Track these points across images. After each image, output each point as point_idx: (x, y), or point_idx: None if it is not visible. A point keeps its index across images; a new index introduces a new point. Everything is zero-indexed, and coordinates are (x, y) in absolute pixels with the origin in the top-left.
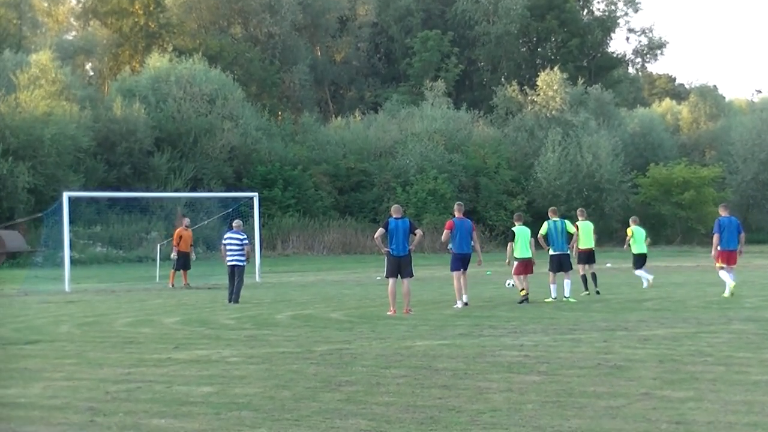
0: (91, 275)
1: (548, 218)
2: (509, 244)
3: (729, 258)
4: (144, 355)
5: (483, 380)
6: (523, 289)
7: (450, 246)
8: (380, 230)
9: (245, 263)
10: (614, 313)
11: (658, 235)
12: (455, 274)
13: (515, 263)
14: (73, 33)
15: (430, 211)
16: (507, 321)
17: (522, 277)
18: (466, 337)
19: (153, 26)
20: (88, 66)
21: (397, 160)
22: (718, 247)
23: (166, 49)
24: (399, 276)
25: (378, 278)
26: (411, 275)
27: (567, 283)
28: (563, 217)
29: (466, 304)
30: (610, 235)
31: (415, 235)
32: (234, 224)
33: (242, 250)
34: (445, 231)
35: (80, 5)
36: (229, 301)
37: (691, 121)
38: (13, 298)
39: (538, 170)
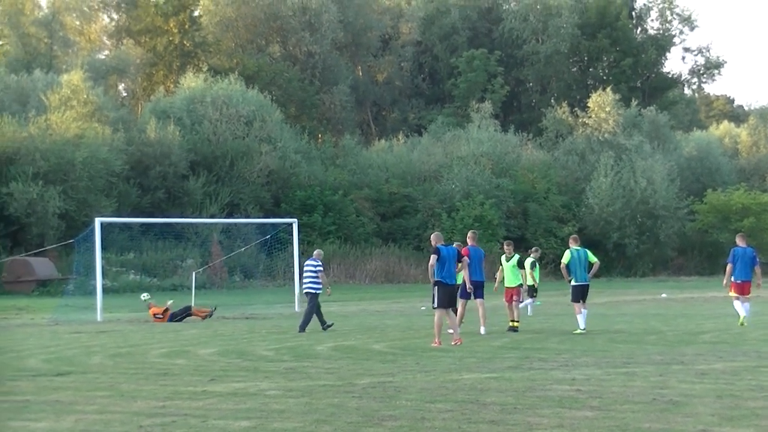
0: (124, 304)
1: (569, 246)
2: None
3: (742, 289)
4: (179, 388)
5: (533, 415)
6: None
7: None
8: (433, 257)
9: (318, 290)
10: (670, 345)
11: (715, 264)
12: (463, 302)
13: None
14: (106, 52)
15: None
16: (558, 353)
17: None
18: (515, 370)
19: (188, 45)
20: (121, 86)
21: (442, 184)
22: (731, 278)
23: (201, 68)
24: (450, 307)
25: (423, 308)
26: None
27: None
28: (616, 244)
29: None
30: (665, 264)
31: (460, 262)
32: (314, 253)
33: (316, 276)
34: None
35: (113, 23)
36: (300, 330)
37: (751, 145)
38: (44, 328)
39: (589, 195)
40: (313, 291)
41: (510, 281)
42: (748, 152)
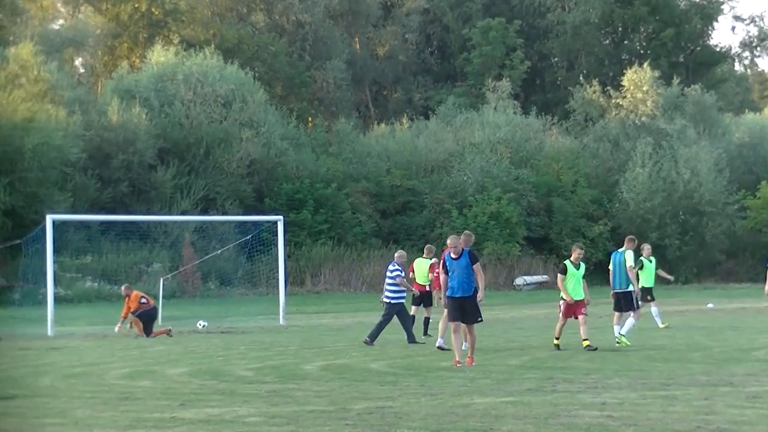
0: (80, 316)
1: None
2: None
3: None
4: (143, 414)
5: None
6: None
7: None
8: (442, 276)
9: (395, 299)
10: (717, 364)
11: None
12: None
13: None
14: (61, 22)
15: (492, 238)
16: (586, 373)
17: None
18: (535, 393)
19: (157, 13)
20: (78, 61)
21: (452, 176)
22: None
23: (172, 41)
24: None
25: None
26: (475, 320)
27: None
28: (655, 246)
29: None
30: (712, 268)
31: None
32: (396, 255)
33: (394, 283)
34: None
35: None
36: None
37: None
38: None
39: (624, 189)
40: (389, 300)
41: (577, 293)
42: None
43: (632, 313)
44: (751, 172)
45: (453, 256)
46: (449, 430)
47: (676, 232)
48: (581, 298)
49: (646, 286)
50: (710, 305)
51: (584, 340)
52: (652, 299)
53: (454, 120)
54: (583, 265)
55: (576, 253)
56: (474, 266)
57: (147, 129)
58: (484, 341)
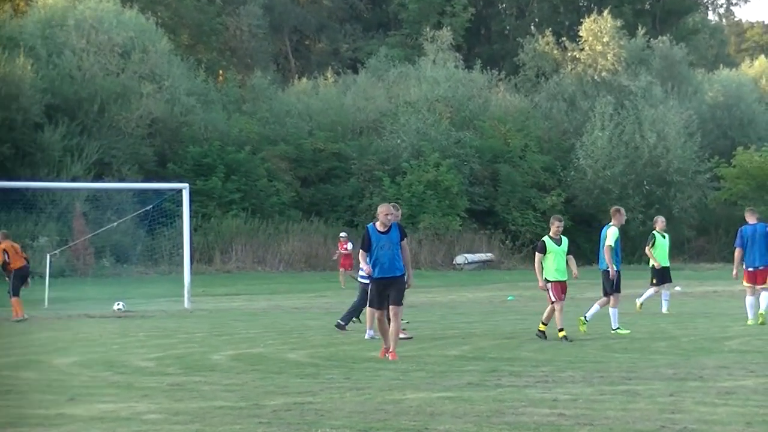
0: None
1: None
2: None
3: (755, 277)
4: (26, 410)
5: None
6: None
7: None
8: (362, 253)
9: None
10: (685, 355)
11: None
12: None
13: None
14: None
15: (429, 210)
16: (535, 365)
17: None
18: (477, 388)
19: None
20: None
21: (384, 139)
22: (742, 265)
23: None
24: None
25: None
26: (400, 302)
27: (614, 313)
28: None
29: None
30: (680, 246)
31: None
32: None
33: None
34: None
35: None
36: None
37: None
38: None
39: (580, 155)
40: (363, 279)
41: (560, 272)
42: None
43: (602, 298)
44: (725, 136)
45: (380, 229)
46: (378, 429)
47: (640, 204)
48: (565, 278)
49: (661, 265)
50: (678, 288)
51: (560, 330)
52: (669, 281)
53: (387, 75)
54: (565, 240)
55: (555, 227)
56: (402, 242)
57: (32, 82)
58: (418, 328)
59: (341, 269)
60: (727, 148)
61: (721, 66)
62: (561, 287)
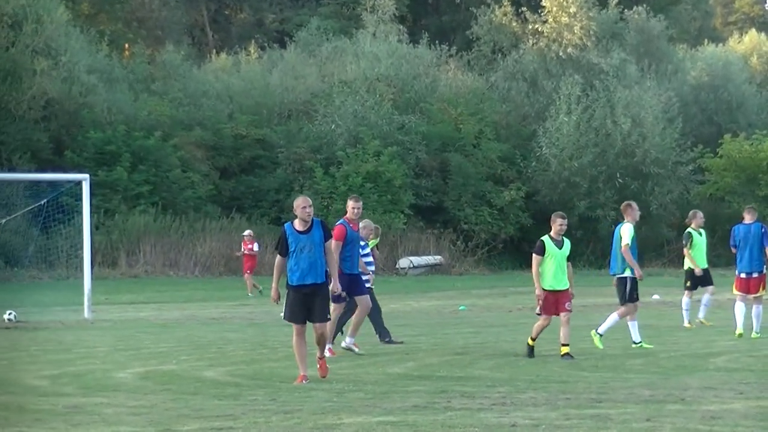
0: None
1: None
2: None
3: (747, 285)
4: None
5: None
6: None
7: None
8: (278, 259)
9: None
10: (664, 374)
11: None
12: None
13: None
14: None
15: (368, 207)
16: (491, 385)
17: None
18: (423, 411)
19: None
20: None
21: (316, 124)
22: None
23: None
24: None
25: (282, 314)
26: (326, 318)
27: (634, 324)
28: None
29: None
30: (659, 249)
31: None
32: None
33: (371, 262)
34: (335, 243)
35: None
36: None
37: None
38: None
39: (543, 143)
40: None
41: (559, 281)
42: None
43: (621, 308)
44: (711, 122)
45: (299, 228)
46: None
47: (612, 200)
48: (565, 287)
49: (699, 267)
50: (656, 297)
51: (563, 345)
52: (710, 283)
53: (319, 50)
54: (567, 242)
55: (557, 225)
56: (327, 243)
57: None
58: (355, 341)
59: (246, 273)
60: (712, 135)
61: (706, 41)
62: (556, 299)
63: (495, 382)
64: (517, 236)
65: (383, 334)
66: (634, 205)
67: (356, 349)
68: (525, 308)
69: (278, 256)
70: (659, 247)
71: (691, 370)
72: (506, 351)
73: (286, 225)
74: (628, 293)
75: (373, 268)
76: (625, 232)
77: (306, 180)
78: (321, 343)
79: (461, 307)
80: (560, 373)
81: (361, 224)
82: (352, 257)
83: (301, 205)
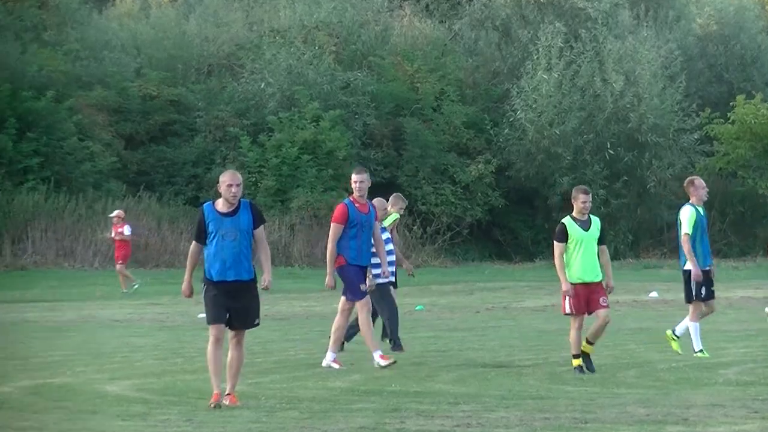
0: None
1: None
2: None
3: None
4: None
5: None
6: None
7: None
8: (193, 245)
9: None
10: (663, 389)
11: (748, 235)
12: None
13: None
14: None
15: (306, 183)
16: (453, 402)
17: None
18: None
19: None
20: None
21: (242, 82)
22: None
23: None
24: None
25: (201, 316)
26: (252, 324)
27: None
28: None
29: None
30: (658, 235)
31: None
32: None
33: (390, 250)
34: (333, 226)
35: None
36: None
37: None
38: None
39: (518, 106)
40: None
41: (587, 271)
42: None
43: (690, 307)
44: (720, 80)
45: (222, 210)
46: None
47: (601, 176)
48: (599, 279)
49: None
50: (653, 294)
51: (588, 343)
52: (711, 295)
53: None
54: (596, 222)
55: (580, 203)
56: (257, 231)
57: None
58: (286, 352)
59: (118, 264)
60: (722, 96)
61: None
62: (589, 293)
63: (458, 398)
64: (486, 220)
65: (397, 342)
66: (699, 181)
67: (336, 366)
68: (495, 308)
69: (193, 241)
70: (658, 233)
71: (695, 383)
72: (472, 360)
73: (205, 205)
74: (695, 290)
75: (393, 258)
76: (685, 216)
77: (230, 151)
78: (234, 365)
79: (418, 307)
80: (537, 388)
81: (374, 202)
82: (360, 245)
83: (227, 182)
